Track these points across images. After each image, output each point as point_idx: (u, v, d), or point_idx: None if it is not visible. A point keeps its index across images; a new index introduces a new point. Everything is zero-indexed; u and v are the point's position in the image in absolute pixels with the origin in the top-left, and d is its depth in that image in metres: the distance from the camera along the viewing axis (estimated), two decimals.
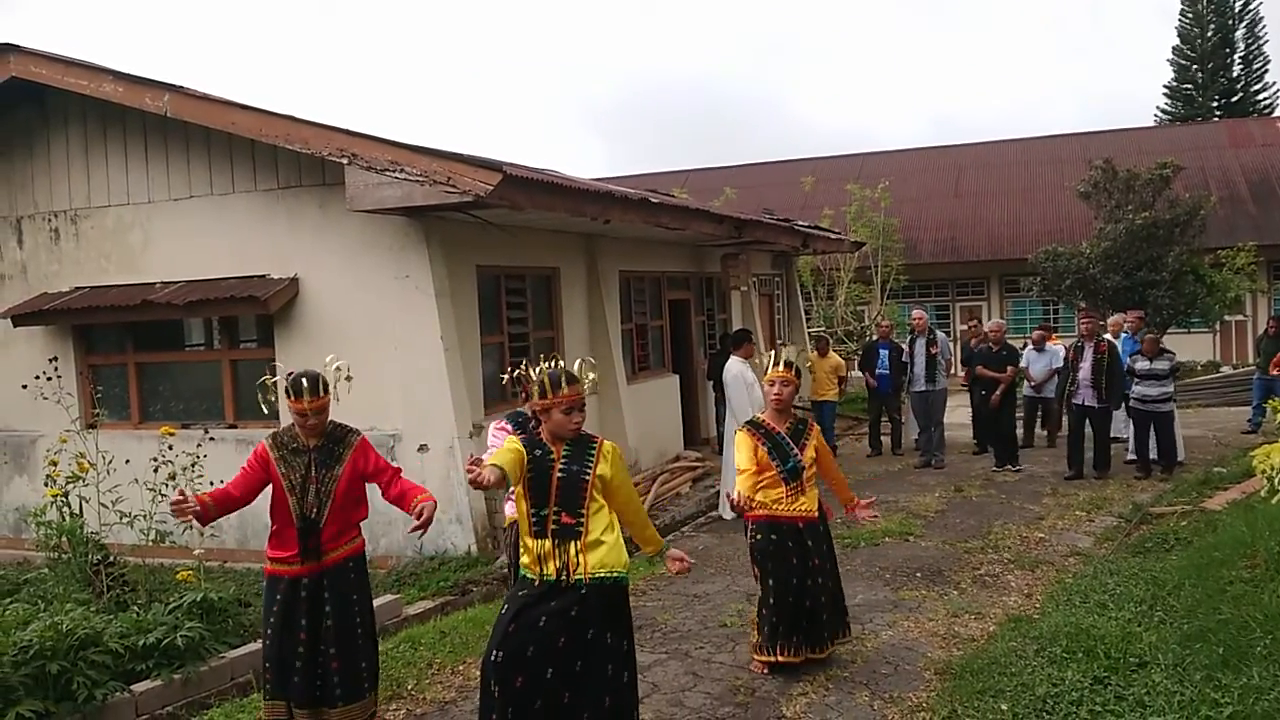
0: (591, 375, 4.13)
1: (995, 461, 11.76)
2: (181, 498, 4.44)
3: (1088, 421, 10.89)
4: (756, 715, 4.91)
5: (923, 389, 12.15)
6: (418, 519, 4.39)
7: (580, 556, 3.90)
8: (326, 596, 4.57)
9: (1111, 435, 11.22)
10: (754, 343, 10.33)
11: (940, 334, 12.82)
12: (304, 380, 4.55)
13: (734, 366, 9.89)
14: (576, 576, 3.88)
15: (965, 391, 13.18)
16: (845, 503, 5.71)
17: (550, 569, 3.90)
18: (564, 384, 3.97)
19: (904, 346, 12.74)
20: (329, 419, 4.70)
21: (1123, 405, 11.09)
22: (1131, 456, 11.35)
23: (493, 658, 3.87)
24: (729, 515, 9.65)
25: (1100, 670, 4.84)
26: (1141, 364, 10.79)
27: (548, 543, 3.92)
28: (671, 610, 6.73)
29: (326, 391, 4.62)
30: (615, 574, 3.96)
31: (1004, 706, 4.62)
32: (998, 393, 11.65)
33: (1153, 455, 11.07)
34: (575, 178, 11.07)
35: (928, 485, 10.83)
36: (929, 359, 12.07)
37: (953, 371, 14.60)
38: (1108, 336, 11.97)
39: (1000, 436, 11.85)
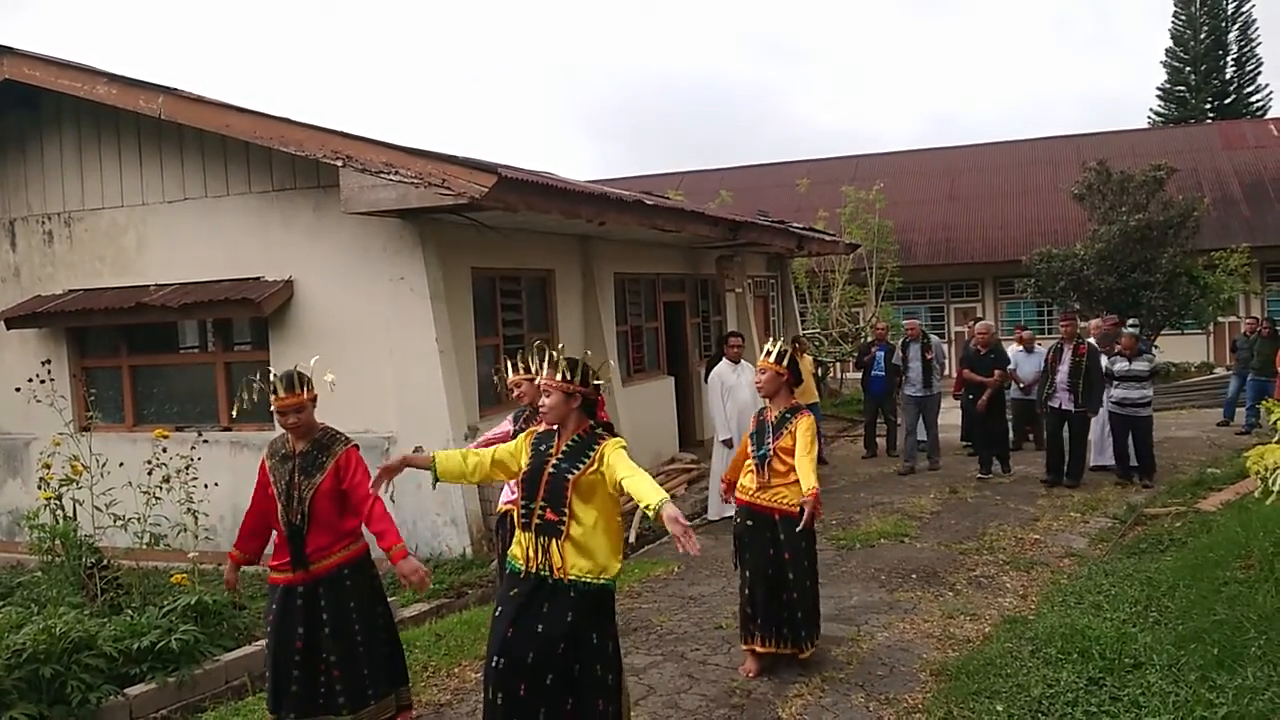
0: (563, 363, 4.05)
1: (980, 468, 11.34)
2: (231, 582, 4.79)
3: (1066, 426, 10.59)
4: (752, 717, 4.91)
5: (918, 394, 11.93)
6: (404, 579, 4.48)
7: (560, 556, 3.88)
8: (323, 605, 4.51)
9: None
10: (738, 344, 10.04)
11: (935, 338, 12.61)
12: (279, 379, 4.54)
13: (718, 369, 9.86)
14: (557, 576, 3.87)
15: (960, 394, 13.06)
16: (803, 489, 5.18)
17: (531, 564, 3.93)
18: (544, 369, 4.08)
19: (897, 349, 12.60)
20: (321, 425, 4.66)
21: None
22: (1102, 462, 11.14)
23: (494, 664, 3.86)
24: (713, 515, 9.65)
25: (1095, 671, 4.85)
26: (1120, 364, 10.43)
27: (531, 537, 3.94)
28: (667, 612, 6.72)
29: (304, 389, 4.56)
30: (598, 581, 3.91)
31: (999, 708, 4.63)
32: (984, 398, 11.24)
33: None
34: (570, 180, 11.07)
35: (923, 487, 10.84)
36: (925, 364, 11.83)
37: (947, 374, 14.47)
38: (1090, 340, 11.88)
39: (989, 440, 11.49)
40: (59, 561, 6.54)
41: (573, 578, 3.87)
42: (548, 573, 3.89)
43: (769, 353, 5.62)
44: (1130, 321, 14.47)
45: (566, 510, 3.90)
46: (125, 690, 5.28)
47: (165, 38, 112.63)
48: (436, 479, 4.17)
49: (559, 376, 4.01)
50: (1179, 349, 23.06)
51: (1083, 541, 8.33)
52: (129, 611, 5.90)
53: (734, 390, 9.54)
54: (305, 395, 4.56)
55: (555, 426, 4.06)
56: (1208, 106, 40.18)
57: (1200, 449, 12.65)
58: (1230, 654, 4.65)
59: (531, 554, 3.93)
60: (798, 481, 5.37)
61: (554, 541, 3.90)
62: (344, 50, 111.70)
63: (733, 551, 5.70)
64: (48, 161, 10.24)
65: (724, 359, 9.93)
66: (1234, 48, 40.05)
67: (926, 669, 5.39)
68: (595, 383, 4.09)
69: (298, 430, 4.57)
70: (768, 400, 5.62)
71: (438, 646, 6.06)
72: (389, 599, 7.09)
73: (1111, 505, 9.60)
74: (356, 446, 4.69)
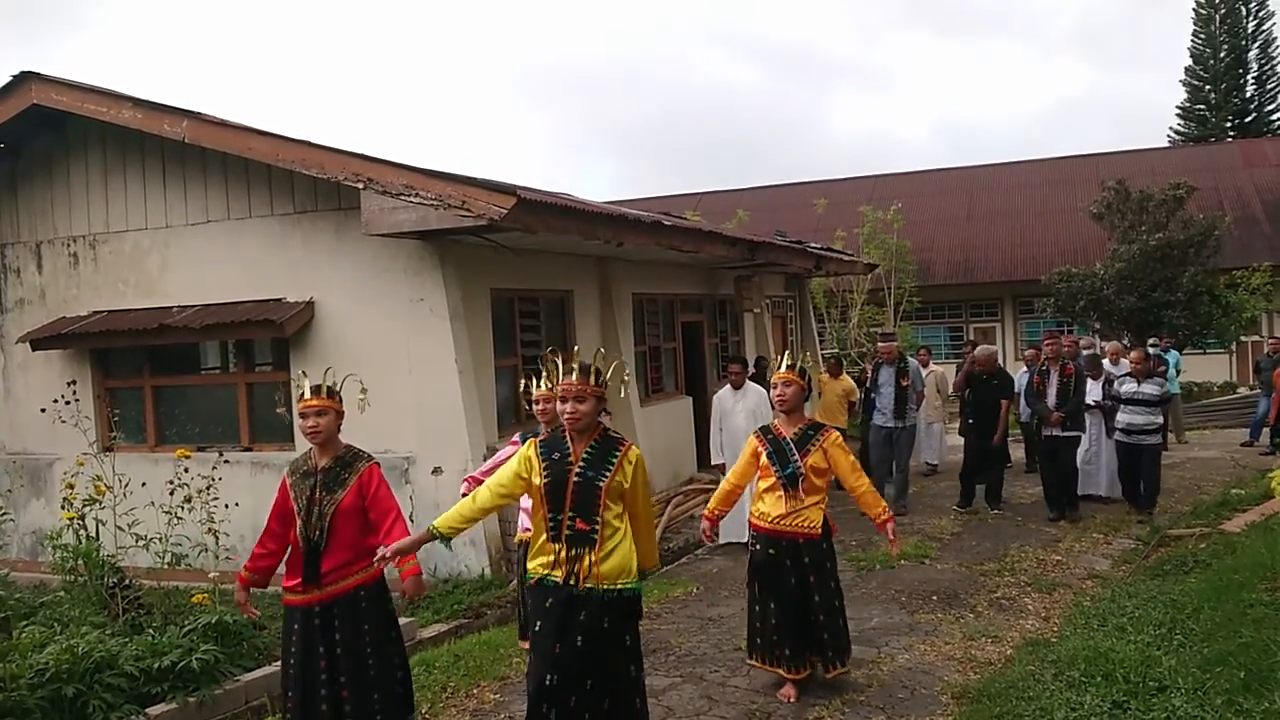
0: (598, 367, 4.08)
1: (961, 499, 10.53)
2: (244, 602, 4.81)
3: (1055, 454, 9.87)
4: None
5: (889, 425, 10.54)
6: (403, 595, 4.46)
7: (593, 567, 3.86)
8: (337, 625, 4.49)
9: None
10: (738, 370, 9.63)
11: (913, 362, 11.46)
12: (309, 384, 4.59)
13: (718, 394, 9.67)
14: (588, 585, 3.85)
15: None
16: (874, 517, 5.40)
17: (559, 574, 3.89)
18: (563, 374, 4.03)
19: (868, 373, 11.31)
20: (345, 443, 4.67)
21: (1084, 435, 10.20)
22: (1089, 490, 10.59)
23: (548, 681, 3.83)
24: (722, 539, 9.46)
25: (1119, 694, 4.79)
26: (1128, 386, 9.59)
27: (562, 548, 3.90)
28: (686, 633, 6.69)
29: (333, 396, 4.59)
30: (630, 587, 3.94)
31: None
32: (999, 435, 10.17)
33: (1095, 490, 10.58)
34: (588, 200, 11.13)
35: (943, 508, 10.76)
36: (899, 392, 10.47)
37: (940, 403, 13.31)
38: (1107, 363, 11.51)
39: (973, 471, 10.47)
40: (82, 581, 6.58)
41: (605, 586, 3.87)
42: (582, 583, 3.86)
43: (790, 365, 5.50)
44: (1150, 341, 14.39)
45: (599, 519, 3.87)
46: (146, 709, 5.28)
47: (189, 60, 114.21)
48: (447, 541, 4.13)
49: (592, 381, 3.97)
50: (1201, 368, 22.91)
51: (1105, 563, 8.25)
52: (150, 631, 5.92)
53: (728, 416, 9.33)
54: (332, 401, 4.58)
55: (569, 433, 4.01)
56: (1228, 125, 40.04)
57: (1224, 469, 12.52)
58: (1257, 677, 4.59)
59: (564, 565, 3.88)
60: (821, 502, 5.36)
61: (587, 552, 3.86)
62: (363, 71, 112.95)
63: (749, 574, 5.52)
64: (73, 185, 10.38)
65: (727, 384, 9.63)
66: (1254, 66, 39.96)
67: (948, 691, 5.35)
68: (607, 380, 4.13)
69: (318, 437, 4.54)
70: (784, 415, 5.49)
71: (456, 667, 6.05)
72: (409, 619, 7.16)
73: (1134, 527, 9.51)
74: (379, 464, 4.68)
